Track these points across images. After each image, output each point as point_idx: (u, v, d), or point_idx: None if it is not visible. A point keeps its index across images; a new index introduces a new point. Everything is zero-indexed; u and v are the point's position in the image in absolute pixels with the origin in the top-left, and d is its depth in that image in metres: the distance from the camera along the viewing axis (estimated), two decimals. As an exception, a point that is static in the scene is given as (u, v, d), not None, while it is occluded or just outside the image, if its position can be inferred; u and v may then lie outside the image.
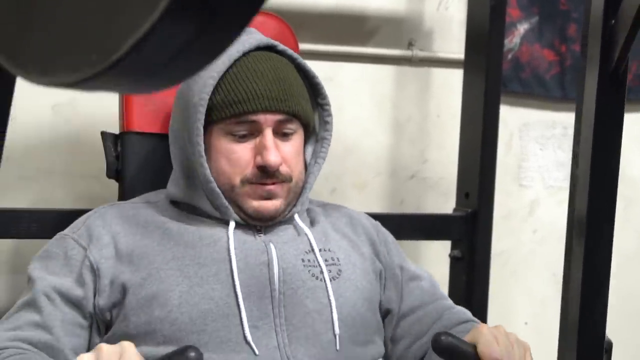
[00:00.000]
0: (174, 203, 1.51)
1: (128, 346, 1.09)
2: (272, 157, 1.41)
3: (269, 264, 1.42)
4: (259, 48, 1.47)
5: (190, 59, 0.46)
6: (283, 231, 1.49)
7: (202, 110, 1.41)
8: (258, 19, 1.77)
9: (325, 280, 1.44)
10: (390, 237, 1.63)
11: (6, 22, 0.48)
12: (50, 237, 1.51)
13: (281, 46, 1.50)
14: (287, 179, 1.45)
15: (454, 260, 2.13)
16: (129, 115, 1.66)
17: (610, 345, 1.56)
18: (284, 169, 1.44)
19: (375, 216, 1.97)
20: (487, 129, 2.08)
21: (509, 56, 2.45)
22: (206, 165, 1.42)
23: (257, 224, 1.47)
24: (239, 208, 1.45)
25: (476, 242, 2.08)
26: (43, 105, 2.05)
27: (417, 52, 2.36)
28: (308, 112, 1.49)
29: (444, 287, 2.15)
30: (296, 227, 1.50)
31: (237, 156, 1.43)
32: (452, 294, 2.14)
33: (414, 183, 2.42)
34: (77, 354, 1.35)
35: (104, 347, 1.09)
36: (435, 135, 2.42)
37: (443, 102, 2.41)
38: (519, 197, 2.56)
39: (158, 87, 0.49)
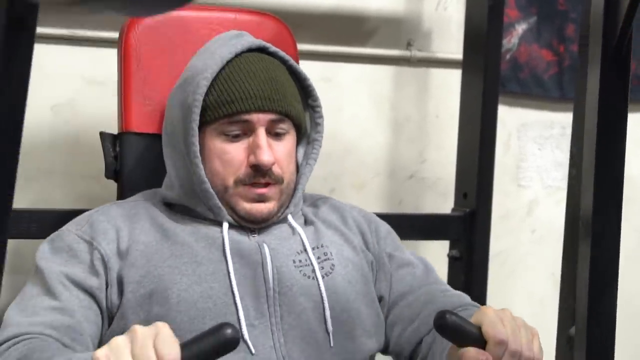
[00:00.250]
0: (169, 205, 1.51)
1: (162, 327, 1.07)
2: (265, 156, 1.42)
3: (262, 264, 1.43)
4: (250, 49, 1.49)
5: None
6: (276, 231, 1.49)
7: (197, 110, 1.42)
8: (256, 19, 1.77)
9: (317, 278, 1.45)
10: (383, 226, 1.62)
11: None
12: (49, 237, 1.52)
13: (273, 48, 1.51)
14: (279, 180, 1.45)
15: (452, 260, 2.13)
16: (127, 116, 1.67)
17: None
18: (276, 169, 1.44)
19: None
20: (485, 129, 2.08)
21: (507, 56, 2.45)
22: (201, 165, 1.43)
23: (250, 225, 1.47)
24: (232, 210, 1.46)
25: (474, 242, 2.08)
26: (42, 105, 2.05)
27: (416, 53, 2.37)
28: (300, 112, 1.50)
29: (442, 287, 2.16)
30: (290, 227, 1.51)
31: (230, 156, 1.44)
32: (450, 294, 2.15)
33: (413, 183, 2.43)
34: (94, 343, 1.36)
35: (138, 328, 1.06)
36: (433, 136, 2.43)
37: (442, 102, 2.42)
38: (517, 197, 2.56)
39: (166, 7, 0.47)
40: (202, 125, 1.44)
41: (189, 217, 1.49)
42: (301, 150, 1.55)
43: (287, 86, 1.47)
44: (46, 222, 1.72)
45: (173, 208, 1.51)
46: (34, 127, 2.04)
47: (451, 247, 2.15)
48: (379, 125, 2.38)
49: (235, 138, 1.44)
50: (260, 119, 1.43)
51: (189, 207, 1.49)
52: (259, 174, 1.43)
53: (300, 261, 1.46)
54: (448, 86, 2.39)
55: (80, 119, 2.09)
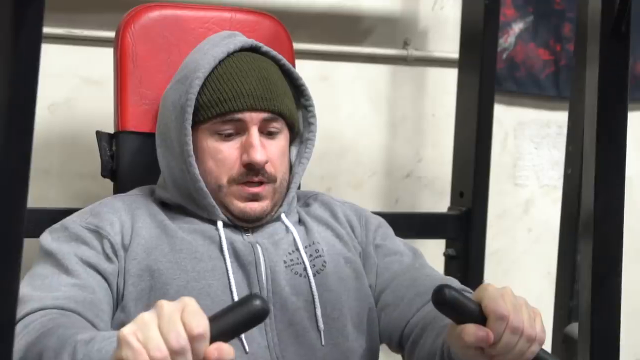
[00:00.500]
0: (164, 203, 1.52)
1: (189, 301, 1.03)
2: (258, 155, 1.42)
3: (256, 264, 1.43)
4: (243, 49, 1.49)
5: None
6: (269, 230, 1.49)
7: (190, 110, 1.42)
8: (252, 18, 1.78)
9: (308, 276, 1.45)
10: (374, 219, 1.61)
11: None
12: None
13: (265, 47, 1.51)
14: (272, 179, 1.46)
15: (449, 259, 2.14)
16: (123, 115, 1.67)
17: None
18: (269, 168, 1.45)
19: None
20: (482, 128, 2.09)
21: (504, 55, 2.45)
22: (195, 164, 1.43)
23: (244, 224, 1.48)
24: (226, 209, 1.46)
25: (470, 240, 2.09)
26: (39, 105, 2.04)
27: (412, 52, 2.37)
28: (293, 112, 1.50)
29: (438, 286, 2.16)
30: (283, 225, 1.51)
31: (224, 155, 1.44)
32: (446, 293, 2.15)
33: (409, 182, 2.43)
34: (108, 323, 1.35)
35: (165, 303, 1.02)
36: (430, 135, 2.43)
37: (438, 101, 2.42)
38: (514, 196, 2.57)
39: None
40: (195, 124, 1.45)
41: (184, 215, 1.49)
42: (294, 150, 1.56)
43: (280, 85, 1.48)
44: (43, 221, 1.72)
45: (168, 207, 1.51)
46: (30, 126, 2.04)
47: (447, 246, 2.15)
48: (375, 124, 2.39)
49: (228, 137, 1.45)
50: (253, 117, 1.43)
51: (184, 206, 1.49)
52: (252, 172, 1.44)
53: (291, 260, 1.46)
54: (444, 85, 2.39)
55: (76, 118, 2.09)
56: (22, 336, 1.22)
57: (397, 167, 2.41)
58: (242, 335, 1.36)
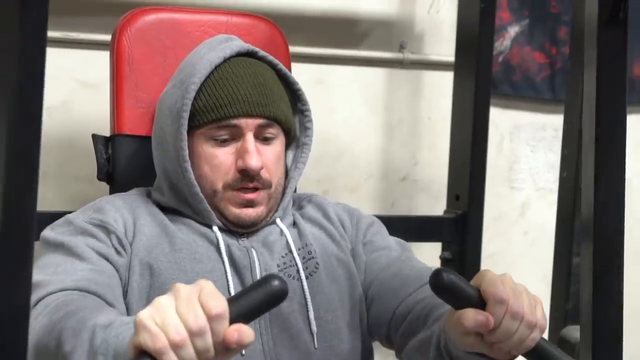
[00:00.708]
0: (160, 207, 1.51)
1: (206, 283, 1.01)
2: (253, 161, 1.42)
3: (251, 268, 1.43)
4: (240, 54, 1.49)
5: None
6: (264, 235, 1.49)
7: (186, 115, 1.42)
8: (248, 22, 1.78)
9: (301, 279, 1.45)
10: (366, 219, 1.60)
11: None
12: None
13: (262, 52, 1.51)
14: (267, 185, 1.45)
15: (445, 262, 2.14)
16: (120, 118, 1.67)
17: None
18: (264, 174, 1.44)
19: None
20: (477, 131, 2.09)
21: (500, 59, 2.46)
22: (190, 170, 1.43)
23: (238, 230, 1.48)
24: (221, 214, 1.46)
25: (466, 243, 2.09)
26: (35, 108, 2.06)
27: (409, 55, 2.38)
28: (289, 117, 1.50)
29: (434, 289, 2.17)
30: (277, 228, 1.51)
31: (219, 161, 1.44)
32: (442, 295, 2.15)
33: (405, 185, 2.43)
34: (124, 309, 1.34)
35: (181, 286, 1.00)
36: (426, 138, 2.44)
37: (434, 104, 2.42)
38: (510, 199, 2.57)
39: None
40: (191, 129, 1.44)
41: (181, 218, 1.49)
42: (290, 155, 1.55)
43: (276, 90, 1.47)
44: (39, 224, 1.72)
45: (165, 209, 1.51)
46: (27, 129, 2.04)
47: (443, 249, 2.15)
48: (371, 128, 2.39)
49: (224, 143, 1.44)
50: (248, 123, 1.43)
51: (179, 210, 1.49)
52: (247, 178, 1.43)
53: (284, 263, 1.46)
54: (440, 88, 2.40)
55: (73, 122, 2.10)
56: (44, 315, 1.20)
57: (393, 170, 2.42)
58: None
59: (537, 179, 2.59)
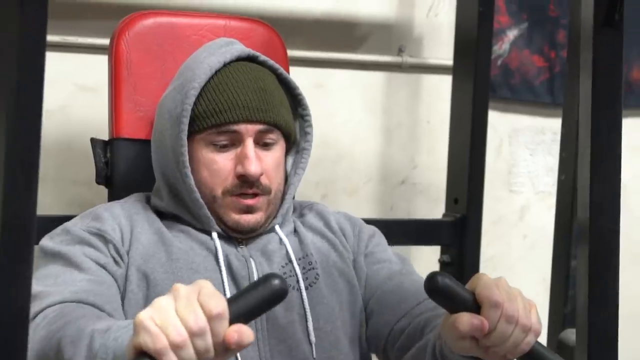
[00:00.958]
0: (159, 212, 1.51)
1: (205, 283, 1.01)
2: (253, 167, 1.41)
3: (249, 279, 1.42)
4: (240, 59, 1.48)
5: None
6: (263, 243, 1.48)
7: (186, 121, 1.41)
8: (246, 26, 1.78)
9: (300, 289, 1.45)
10: (367, 229, 1.60)
11: None
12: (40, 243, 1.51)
13: (262, 57, 1.50)
14: (266, 191, 1.45)
15: (444, 265, 2.14)
16: (118, 122, 1.67)
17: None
18: (264, 180, 1.44)
19: (366, 221, 1.98)
20: (476, 135, 2.09)
21: (499, 62, 2.46)
22: (190, 175, 1.43)
23: (237, 236, 1.47)
24: (220, 220, 1.46)
25: (465, 247, 2.09)
26: (34, 112, 2.06)
27: (407, 59, 2.38)
28: (289, 122, 1.49)
29: (433, 292, 2.16)
30: (277, 237, 1.50)
31: (218, 166, 1.43)
32: (441, 299, 2.15)
33: (404, 189, 2.43)
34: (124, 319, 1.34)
35: (180, 286, 1.01)
36: (425, 141, 2.44)
37: (433, 108, 2.43)
38: (509, 203, 2.57)
39: None
40: (191, 134, 1.44)
41: (179, 224, 1.48)
42: (290, 160, 1.55)
43: (276, 96, 1.47)
44: (38, 228, 1.72)
45: (163, 215, 1.50)
46: (25, 133, 2.05)
47: (442, 253, 2.15)
48: (370, 131, 2.39)
49: (224, 148, 1.44)
50: (248, 129, 1.43)
51: (178, 216, 1.48)
52: (247, 184, 1.43)
53: (284, 273, 1.45)
54: (439, 92, 2.40)
55: (71, 125, 2.10)
56: (43, 326, 1.21)
57: (392, 173, 2.42)
58: None
59: (536, 182, 2.59)
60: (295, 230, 1.54)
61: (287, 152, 1.54)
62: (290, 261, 1.47)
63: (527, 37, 2.49)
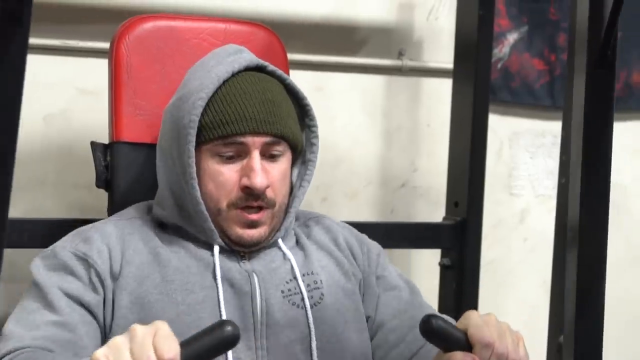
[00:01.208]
0: (160, 223, 1.50)
1: (162, 325, 1.06)
2: (259, 180, 1.40)
3: (252, 295, 1.42)
4: (248, 68, 1.46)
5: None
6: (267, 257, 1.47)
7: (193, 132, 1.39)
8: (246, 29, 1.78)
9: (305, 308, 1.44)
10: (375, 248, 1.60)
11: None
12: (41, 246, 1.51)
13: (271, 67, 1.48)
14: (271, 204, 1.43)
15: (444, 269, 2.14)
16: (118, 126, 1.67)
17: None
18: (269, 193, 1.42)
19: (366, 225, 1.98)
20: (476, 138, 2.09)
21: (499, 65, 2.46)
22: (197, 187, 1.41)
23: (240, 249, 1.46)
24: (224, 233, 1.44)
25: (465, 250, 2.09)
26: (35, 115, 2.06)
27: (407, 62, 2.38)
28: (296, 133, 1.47)
29: (433, 296, 2.17)
30: (280, 250, 1.49)
31: (224, 178, 1.42)
32: (442, 302, 2.15)
33: (404, 192, 2.43)
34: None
35: (137, 327, 1.05)
36: (425, 145, 2.44)
37: (433, 111, 2.43)
38: (509, 206, 2.57)
39: None
40: (198, 144, 1.42)
41: (180, 237, 1.47)
42: (295, 171, 1.53)
43: (284, 107, 1.45)
44: (38, 232, 1.72)
45: (165, 228, 1.49)
46: (26, 137, 2.05)
47: (442, 256, 2.15)
48: (370, 134, 2.39)
49: (230, 159, 1.42)
50: (255, 141, 1.41)
51: (181, 227, 1.47)
52: (252, 197, 1.41)
53: (289, 290, 1.45)
54: (439, 95, 2.40)
55: (72, 129, 2.10)
56: None
57: (392, 177, 2.42)
58: None
59: (536, 185, 2.59)
60: (299, 242, 1.53)
61: (293, 162, 1.52)
62: (295, 277, 1.46)
63: (527, 41, 2.49)
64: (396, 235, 2.09)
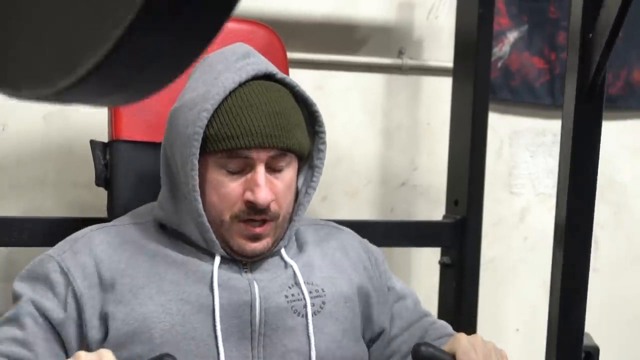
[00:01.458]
0: (161, 225, 1.48)
1: (106, 353, 1.10)
2: (263, 195, 1.37)
3: (251, 305, 1.41)
4: (256, 77, 1.41)
5: (159, 71, 0.46)
6: (269, 266, 1.47)
7: (197, 145, 1.36)
8: (247, 28, 1.78)
9: (306, 316, 1.44)
10: (380, 256, 1.61)
11: None
12: (41, 245, 1.52)
13: (280, 74, 1.44)
14: (274, 217, 1.42)
15: (444, 267, 2.14)
16: (117, 124, 1.67)
17: (596, 350, 1.57)
18: (273, 206, 1.40)
19: (366, 224, 1.98)
20: (476, 136, 2.09)
21: (499, 64, 2.46)
22: (199, 199, 1.39)
23: (243, 259, 1.45)
24: (226, 243, 1.43)
25: (465, 248, 2.09)
26: (34, 114, 2.06)
27: (407, 61, 2.38)
28: (303, 143, 1.44)
29: (433, 294, 2.17)
30: (282, 259, 1.48)
31: (227, 191, 1.40)
32: (442, 301, 2.15)
33: (405, 190, 2.43)
34: None
35: (82, 354, 1.10)
36: (425, 143, 2.44)
37: (433, 110, 2.43)
38: (509, 205, 2.57)
39: (128, 100, 0.50)
40: (203, 154, 1.39)
41: (181, 242, 1.46)
42: (302, 177, 1.51)
43: (292, 117, 1.41)
44: (37, 231, 1.72)
45: (165, 230, 1.48)
46: (26, 136, 2.05)
47: (443, 254, 2.15)
48: (370, 133, 2.39)
49: (234, 172, 1.40)
50: (260, 155, 1.38)
51: (182, 232, 1.46)
52: (255, 211, 1.40)
53: (292, 295, 1.44)
54: (439, 94, 2.40)
55: (71, 128, 2.10)
56: None
57: (392, 175, 2.42)
58: None
59: (536, 184, 2.59)
60: (302, 248, 1.52)
61: (300, 167, 1.50)
62: (296, 284, 1.46)
63: (527, 39, 2.49)
64: (396, 233, 2.09)
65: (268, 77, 1.43)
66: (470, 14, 2.09)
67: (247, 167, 1.40)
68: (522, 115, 2.55)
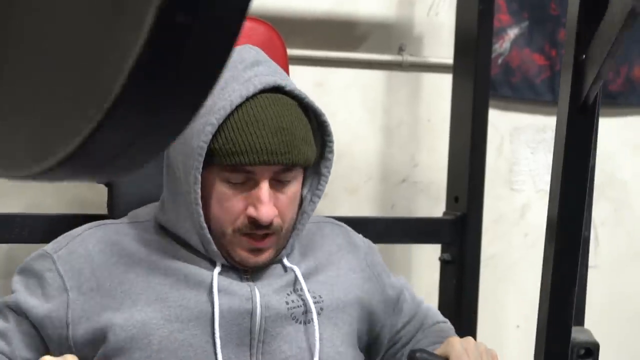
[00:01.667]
0: (162, 227, 1.47)
1: (71, 358, 1.14)
2: (265, 212, 1.36)
3: (252, 313, 1.40)
4: (264, 90, 1.37)
5: (135, 156, 0.48)
6: (270, 272, 1.46)
7: (200, 159, 1.34)
8: (246, 25, 1.78)
9: (307, 322, 1.44)
10: (378, 257, 1.63)
11: None
12: (41, 242, 1.52)
13: (289, 86, 1.39)
14: (277, 231, 1.40)
15: (444, 264, 2.14)
16: (118, 121, 1.67)
17: (596, 346, 1.57)
18: (276, 220, 1.39)
19: (366, 220, 1.98)
20: (476, 133, 2.09)
21: (499, 61, 2.46)
22: (201, 212, 1.37)
23: (243, 268, 1.44)
24: (227, 254, 1.42)
25: (466, 245, 2.09)
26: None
27: (408, 57, 2.38)
28: (309, 156, 1.41)
29: (434, 291, 2.17)
30: (284, 265, 1.47)
31: (230, 204, 1.38)
32: (442, 298, 2.15)
33: (405, 187, 2.43)
34: None
35: (47, 358, 1.14)
36: (425, 140, 2.44)
37: (433, 106, 2.43)
38: (510, 201, 2.57)
39: (109, 178, 0.52)
40: (207, 165, 1.36)
41: (181, 245, 1.45)
42: (307, 185, 1.49)
43: (299, 132, 1.38)
44: (38, 227, 1.73)
45: (166, 233, 1.46)
46: (26, 132, 2.05)
47: (443, 251, 2.15)
48: (371, 130, 2.39)
49: (238, 185, 1.38)
50: (264, 171, 1.36)
51: (183, 237, 1.45)
52: (258, 227, 1.38)
53: (292, 301, 1.44)
54: (440, 90, 2.40)
55: (72, 125, 2.10)
56: None
57: (392, 172, 2.42)
58: None
59: (537, 180, 2.59)
60: (303, 252, 1.52)
61: (306, 175, 1.48)
62: (295, 290, 1.45)
63: (527, 36, 2.49)
64: (396, 230, 2.10)
65: (276, 89, 1.39)
66: (471, 10, 2.09)
67: (250, 181, 1.38)
68: (523, 111, 2.55)
